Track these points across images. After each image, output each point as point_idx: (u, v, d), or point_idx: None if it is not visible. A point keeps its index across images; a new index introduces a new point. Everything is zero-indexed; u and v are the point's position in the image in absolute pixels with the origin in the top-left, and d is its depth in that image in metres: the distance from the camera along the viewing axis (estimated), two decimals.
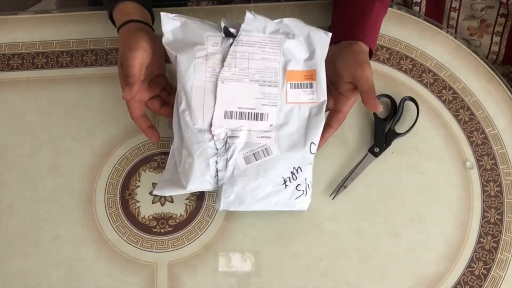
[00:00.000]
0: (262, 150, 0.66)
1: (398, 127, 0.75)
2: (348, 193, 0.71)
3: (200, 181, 0.65)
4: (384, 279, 0.67)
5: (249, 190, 0.66)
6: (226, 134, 0.66)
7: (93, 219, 0.71)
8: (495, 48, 0.89)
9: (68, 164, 0.74)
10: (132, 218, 0.71)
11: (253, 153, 0.66)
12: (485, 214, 0.70)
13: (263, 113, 0.66)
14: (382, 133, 0.73)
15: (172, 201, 0.72)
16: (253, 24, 0.67)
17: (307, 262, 0.68)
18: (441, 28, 0.82)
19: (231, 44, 0.66)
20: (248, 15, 0.67)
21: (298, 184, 0.66)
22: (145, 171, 0.73)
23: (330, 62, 0.70)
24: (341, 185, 0.71)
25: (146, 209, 0.71)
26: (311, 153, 0.67)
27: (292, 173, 0.66)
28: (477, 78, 0.78)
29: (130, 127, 0.74)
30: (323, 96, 0.68)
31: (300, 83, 0.68)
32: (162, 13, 0.67)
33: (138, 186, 0.73)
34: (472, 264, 0.68)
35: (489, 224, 0.69)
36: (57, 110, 0.77)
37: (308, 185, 0.67)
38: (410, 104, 0.76)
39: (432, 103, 0.76)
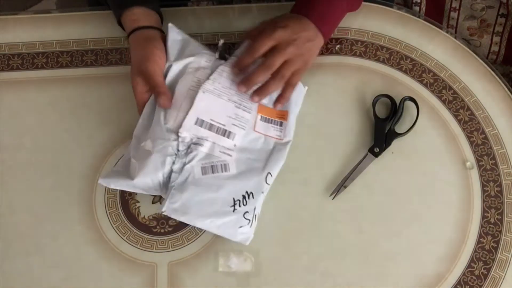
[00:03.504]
0: (221, 164, 0.67)
1: (398, 127, 0.75)
2: (348, 193, 0.71)
3: (149, 178, 0.66)
4: (384, 279, 0.67)
5: (197, 201, 0.65)
6: (191, 140, 0.67)
7: (93, 219, 0.71)
8: (495, 48, 0.89)
9: (68, 164, 0.74)
10: (132, 218, 0.71)
11: (211, 166, 0.67)
12: (485, 214, 0.70)
13: (231, 132, 0.69)
14: (382, 133, 0.73)
15: None
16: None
17: (307, 262, 0.68)
18: (441, 28, 0.82)
19: (221, 65, 0.72)
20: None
21: (246, 212, 0.66)
22: None
23: None
24: (341, 185, 0.71)
25: (146, 209, 0.71)
26: (266, 182, 0.68)
27: (244, 196, 0.66)
28: (477, 78, 0.78)
29: (130, 127, 0.74)
30: (289, 137, 0.71)
31: (271, 119, 0.72)
32: (169, 24, 0.74)
33: None
34: (472, 264, 0.68)
35: (489, 224, 0.69)
36: (57, 110, 0.77)
37: (255, 215, 0.67)
38: (410, 104, 0.76)
39: (432, 103, 0.76)
